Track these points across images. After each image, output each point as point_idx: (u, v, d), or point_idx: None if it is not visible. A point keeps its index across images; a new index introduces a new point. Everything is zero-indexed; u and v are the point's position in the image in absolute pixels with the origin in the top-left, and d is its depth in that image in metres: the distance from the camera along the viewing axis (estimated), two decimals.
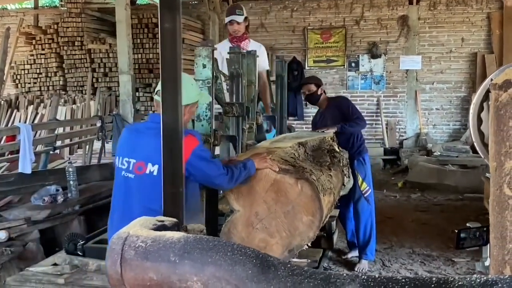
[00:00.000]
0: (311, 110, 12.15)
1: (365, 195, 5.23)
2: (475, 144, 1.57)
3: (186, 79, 2.96)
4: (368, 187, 5.25)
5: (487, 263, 1.77)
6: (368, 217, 5.27)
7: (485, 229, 1.75)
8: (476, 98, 1.54)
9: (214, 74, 3.53)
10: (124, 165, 2.82)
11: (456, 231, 1.84)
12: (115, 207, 2.89)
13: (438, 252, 5.63)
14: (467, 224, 1.87)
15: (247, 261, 0.75)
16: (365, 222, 5.26)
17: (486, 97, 1.50)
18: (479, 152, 1.56)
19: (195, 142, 2.77)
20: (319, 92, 5.47)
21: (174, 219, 1.00)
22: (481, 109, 1.52)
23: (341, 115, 5.30)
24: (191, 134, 2.80)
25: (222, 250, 0.78)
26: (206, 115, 3.41)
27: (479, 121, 1.52)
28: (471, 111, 1.58)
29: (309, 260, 4.01)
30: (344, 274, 0.67)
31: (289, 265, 0.74)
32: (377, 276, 0.68)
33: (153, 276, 0.81)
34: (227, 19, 5.18)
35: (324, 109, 5.52)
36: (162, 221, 0.96)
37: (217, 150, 3.83)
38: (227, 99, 4.29)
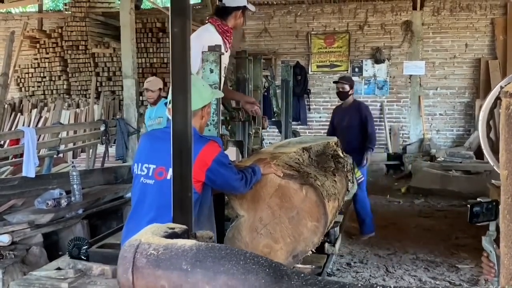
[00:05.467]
0: (314, 115, 12.18)
1: (358, 180, 5.98)
2: (484, 151, 1.56)
3: (198, 81, 2.98)
4: (362, 176, 6.18)
5: (494, 237, 1.79)
6: (362, 199, 6.29)
7: (494, 203, 1.76)
8: (485, 105, 1.53)
9: (221, 79, 3.54)
10: (143, 171, 2.81)
11: (469, 206, 1.85)
12: (133, 214, 2.88)
13: (442, 258, 5.61)
14: (478, 199, 1.88)
15: (260, 270, 0.74)
16: (360, 203, 6.28)
17: (495, 104, 1.49)
18: (488, 159, 1.55)
19: (217, 149, 2.79)
20: (350, 93, 6.49)
21: (184, 226, 1.00)
22: (490, 116, 1.51)
23: (359, 118, 6.45)
24: (213, 141, 2.82)
25: (235, 259, 0.77)
26: (213, 120, 3.41)
27: (488, 128, 1.51)
28: (480, 118, 1.57)
29: (313, 266, 3.99)
30: (359, 284, 0.67)
31: (302, 275, 0.73)
32: (392, 285, 0.67)
33: (165, 284, 0.80)
34: (251, 7, 4.13)
35: (347, 106, 6.59)
36: (173, 228, 0.96)
37: None
38: (233, 104, 4.30)
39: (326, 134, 7.27)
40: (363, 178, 6.23)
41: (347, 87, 6.45)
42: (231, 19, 3.96)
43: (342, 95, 6.56)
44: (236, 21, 4.01)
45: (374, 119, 11.80)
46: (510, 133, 0.95)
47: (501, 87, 1.08)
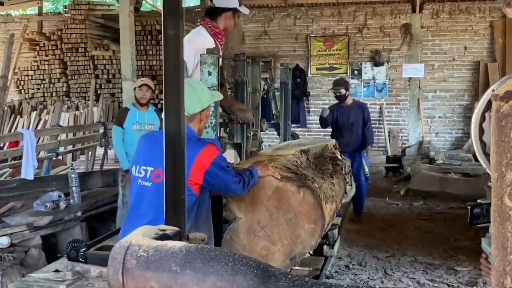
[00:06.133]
0: (313, 118, 12.18)
1: (366, 176, 7.33)
2: (476, 154, 1.57)
3: (197, 84, 2.99)
4: (368, 171, 7.44)
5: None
6: (366, 187, 7.40)
7: None
8: (477, 108, 1.54)
9: (219, 81, 3.54)
10: (141, 174, 2.82)
11: (469, 207, 1.85)
12: (130, 216, 2.89)
13: (441, 261, 5.62)
14: (478, 201, 1.89)
15: (248, 272, 0.75)
16: (364, 190, 7.32)
17: (488, 107, 1.50)
18: (481, 162, 1.56)
19: (215, 152, 2.79)
20: (346, 94, 7.23)
21: (176, 228, 1.00)
22: (482, 119, 1.52)
23: (363, 116, 7.29)
24: (211, 143, 2.82)
25: (224, 260, 0.78)
26: (211, 123, 3.41)
27: (481, 131, 1.52)
28: (473, 121, 1.58)
29: (311, 268, 4.00)
30: (345, 286, 0.67)
31: (290, 276, 0.74)
32: (377, 286, 0.68)
33: (154, 285, 0.81)
34: (243, 9, 4.01)
35: (348, 106, 7.30)
36: (164, 230, 0.97)
37: None
38: None
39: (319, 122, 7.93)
40: (368, 172, 7.50)
41: (343, 91, 7.19)
42: (222, 20, 3.90)
43: (341, 98, 7.28)
44: (227, 22, 3.94)
45: (373, 122, 11.94)
46: (501, 136, 0.96)
47: (493, 90, 1.09)
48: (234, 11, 3.92)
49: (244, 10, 4.03)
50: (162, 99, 7.80)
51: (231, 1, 3.91)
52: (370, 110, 11.88)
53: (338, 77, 9.83)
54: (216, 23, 3.91)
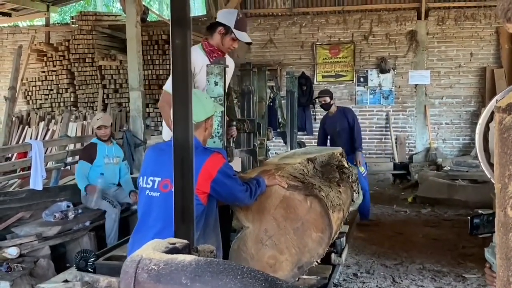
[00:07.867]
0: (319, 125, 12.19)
1: (363, 176, 7.20)
2: (481, 163, 1.59)
3: (200, 94, 3.03)
4: (365, 171, 7.38)
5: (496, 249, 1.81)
6: (366, 189, 7.09)
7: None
8: (482, 119, 1.56)
9: (226, 91, 3.57)
10: (148, 184, 2.85)
11: (469, 218, 1.87)
12: (139, 227, 2.92)
13: (449, 268, 5.59)
14: (479, 211, 1.91)
15: (257, 285, 0.77)
16: (367, 193, 7.13)
17: (491, 117, 1.51)
18: (485, 171, 1.57)
19: (221, 160, 2.83)
20: (331, 103, 7.58)
21: (185, 241, 1.02)
22: (487, 129, 1.53)
23: (347, 121, 7.47)
24: (218, 152, 2.86)
25: (232, 274, 0.80)
26: (218, 132, 3.44)
27: (485, 141, 1.53)
28: (477, 131, 1.60)
29: (318, 277, 4.00)
30: None
31: None
32: None
33: None
34: (237, 33, 3.89)
35: (334, 114, 7.62)
36: (174, 243, 0.99)
37: None
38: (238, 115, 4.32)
39: (316, 144, 8.14)
40: (365, 172, 7.48)
41: (327, 99, 7.56)
42: (215, 36, 3.88)
43: (325, 106, 7.66)
44: (222, 40, 3.88)
45: (380, 129, 11.97)
46: (503, 148, 0.97)
47: (497, 101, 1.10)
48: (227, 29, 3.86)
49: (242, 36, 3.91)
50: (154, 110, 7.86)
51: (227, 18, 3.87)
52: (376, 117, 12.02)
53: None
54: (212, 39, 3.90)
